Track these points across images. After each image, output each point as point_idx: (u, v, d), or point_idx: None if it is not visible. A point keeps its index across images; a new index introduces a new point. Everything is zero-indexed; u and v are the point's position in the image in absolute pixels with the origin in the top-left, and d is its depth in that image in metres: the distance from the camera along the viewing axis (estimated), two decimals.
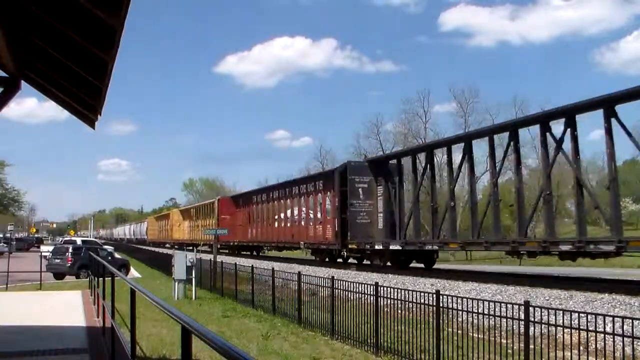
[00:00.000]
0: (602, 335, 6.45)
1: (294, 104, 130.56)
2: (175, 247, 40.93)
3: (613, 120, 13.35)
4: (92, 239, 60.73)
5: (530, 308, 6.88)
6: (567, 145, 14.84)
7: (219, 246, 32.01)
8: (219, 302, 16.43)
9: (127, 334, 5.70)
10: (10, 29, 4.78)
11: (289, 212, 30.04)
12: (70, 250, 26.42)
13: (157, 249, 44.40)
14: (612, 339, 6.62)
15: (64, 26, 4.41)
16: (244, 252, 36.53)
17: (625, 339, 6.51)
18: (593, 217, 24.75)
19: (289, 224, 30.01)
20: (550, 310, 7.16)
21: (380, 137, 58.80)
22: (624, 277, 17.61)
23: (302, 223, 28.06)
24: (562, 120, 14.91)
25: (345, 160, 28.26)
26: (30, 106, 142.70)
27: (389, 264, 20.76)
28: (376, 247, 21.10)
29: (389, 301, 9.44)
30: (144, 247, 51.53)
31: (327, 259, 25.90)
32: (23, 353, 7.57)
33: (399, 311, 9.20)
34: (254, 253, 36.96)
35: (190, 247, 33.55)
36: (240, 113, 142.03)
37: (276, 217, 31.68)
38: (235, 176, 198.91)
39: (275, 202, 31.80)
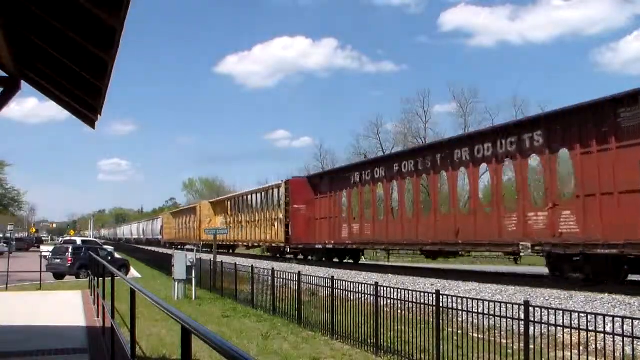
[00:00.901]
0: (602, 335, 6.44)
1: (294, 104, 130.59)
2: (198, 248, 36.14)
3: None
4: (92, 239, 60.75)
5: (530, 308, 6.87)
6: None
7: (287, 250, 29.17)
8: (219, 302, 16.43)
9: (127, 334, 5.70)
10: (10, 29, 4.78)
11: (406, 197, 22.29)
12: (70, 250, 26.41)
13: (156, 249, 44.31)
14: (612, 339, 6.62)
15: (64, 26, 4.41)
16: (336, 260, 26.49)
17: (625, 339, 6.51)
18: None
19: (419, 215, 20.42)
20: (550, 310, 7.16)
21: (380, 137, 58.90)
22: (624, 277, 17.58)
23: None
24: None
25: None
26: (31, 106, 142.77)
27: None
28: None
29: (389, 301, 9.44)
30: (144, 247, 51.39)
31: None
32: (23, 353, 7.57)
33: (399, 311, 9.20)
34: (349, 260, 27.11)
35: (234, 252, 32.83)
36: (241, 113, 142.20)
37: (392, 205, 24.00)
38: (235, 176, 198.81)
39: (385, 182, 22.55)
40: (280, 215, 29.76)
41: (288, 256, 31.09)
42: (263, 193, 34.30)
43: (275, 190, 31.11)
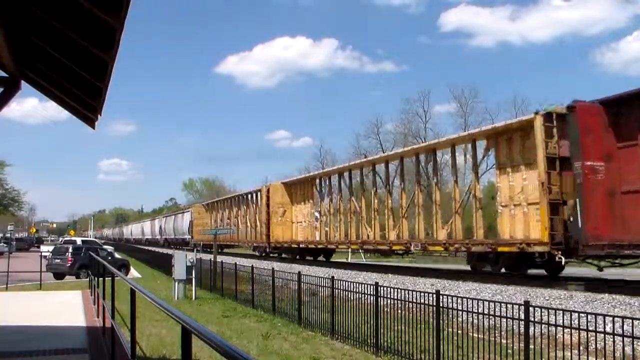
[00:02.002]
0: (602, 335, 6.44)
1: (294, 104, 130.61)
2: (264, 251, 34.21)
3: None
4: (92, 239, 60.76)
5: (530, 308, 6.88)
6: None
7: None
8: (219, 302, 16.43)
9: (127, 334, 5.71)
10: (10, 29, 4.78)
11: None
12: (70, 250, 26.42)
13: (157, 249, 44.26)
14: (612, 339, 6.61)
15: (64, 26, 4.41)
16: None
17: (625, 339, 6.51)
18: None
19: None
20: (550, 310, 7.16)
21: (380, 137, 58.92)
22: (624, 277, 17.61)
23: None
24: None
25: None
26: (31, 106, 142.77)
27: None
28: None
29: (389, 301, 9.44)
30: (144, 247, 51.30)
31: None
32: (23, 353, 7.57)
33: (399, 311, 9.20)
34: None
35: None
36: (241, 113, 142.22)
37: None
38: (235, 176, 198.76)
39: None
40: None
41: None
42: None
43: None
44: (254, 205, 35.99)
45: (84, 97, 6.10)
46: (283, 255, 32.88)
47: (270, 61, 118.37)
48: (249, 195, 37.78)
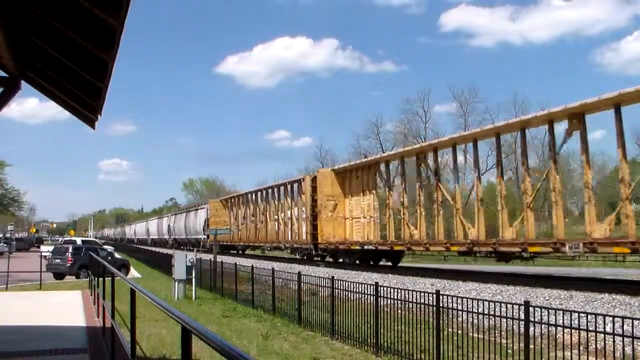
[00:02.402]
0: (602, 335, 6.44)
1: (294, 104, 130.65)
2: (305, 252, 27.93)
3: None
4: (92, 239, 60.75)
5: (530, 308, 6.87)
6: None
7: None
8: (219, 302, 16.43)
9: (127, 334, 5.71)
10: (10, 29, 4.78)
11: None
12: (70, 250, 26.42)
13: (157, 249, 44.22)
14: (612, 339, 6.61)
15: (64, 26, 4.41)
16: None
17: (625, 339, 6.51)
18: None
19: None
20: (550, 310, 7.16)
21: (380, 137, 58.90)
22: (624, 277, 17.61)
23: None
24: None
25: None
26: (31, 106, 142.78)
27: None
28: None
29: (389, 301, 9.44)
30: (144, 247, 51.24)
31: None
32: (23, 353, 7.57)
33: (399, 311, 9.19)
34: None
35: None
36: (241, 113, 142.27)
37: None
38: (235, 176, 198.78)
39: None
40: None
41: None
42: None
43: None
44: (292, 199, 30.01)
45: (84, 97, 6.10)
46: (328, 259, 27.22)
47: (270, 61, 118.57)
48: (286, 187, 31.23)
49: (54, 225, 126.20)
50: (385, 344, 9.14)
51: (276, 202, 32.67)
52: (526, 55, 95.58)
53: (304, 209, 28.04)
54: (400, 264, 24.56)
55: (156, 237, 64.99)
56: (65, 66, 5.32)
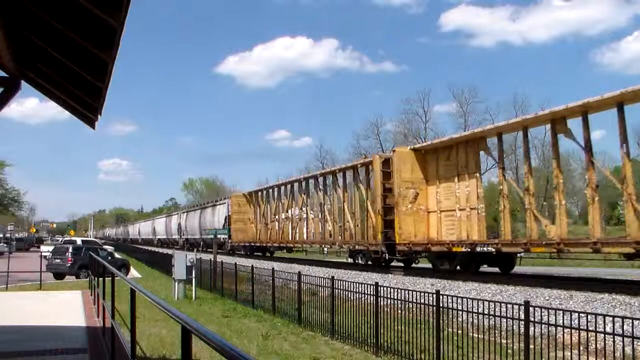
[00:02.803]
0: (602, 335, 6.45)
1: (294, 104, 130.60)
2: (372, 258, 21.52)
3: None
4: (92, 238, 60.75)
5: (530, 308, 6.88)
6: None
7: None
8: (219, 302, 16.43)
9: (127, 334, 5.71)
10: (10, 29, 4.78)
11: None
12: (70, 250, 26.42)
13: (157, 249, 44.18)
14: (612, 339, 6.62)
15: (64, 26, 4.41)
16: None
17: (625, 339, 6.51)
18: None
19: None
20: (550, 310, 7.16)
21: (380, 137, 58.90)
22: (624, 277, 17.62)
23: None
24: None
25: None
26: (31, 106, 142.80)
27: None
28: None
29: (389, 301, 9.44)
30: (145, 248, 51.16)
31: None
32: (23, 353, 7.57)
33: (399, 311, 9.19)
34: None
35: None
36: (241, 113, 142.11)
37: None
38: (235, 176, 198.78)
39: None
40: None
41: None
42: None
43: None
44: (344, 189, 24.78)
45: (84, 97, 6.10)
46: (402, 264, 21.73)
47: (270, 61, 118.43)
48: (334, 175, 25.55)
49: (54, 225, 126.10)
50: (385, 344, 9.14)
51: (321, 194, 26.73)
52: (526, 55, 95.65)
53: (369, 200, 22.36)
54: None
55: (164, 237, 60.15)
56: (66, 66, 5.32)
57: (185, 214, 53.11)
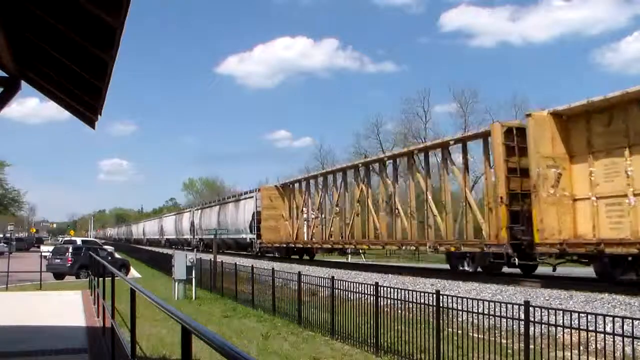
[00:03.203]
0: (602, 335, 6.44)
1: (294, 104, 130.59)
2: (483, 263, 16.51)
3: None
4: (92, 238, 60.75)
5: (530, 308, 6.88)
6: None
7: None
8: (219, 302, 16.43)
9: (127, 334, 5.71)
10: (10, 29, 4.78)
11: None
12: (70, 250, 26.43)
13: (157, 249, 44.13)
14: (612, 339, 6.61)
15: (64, 26, 4.41)
16: None
17: (625, 339, 6.51)
18: None
19: None
20: (550, 310, 7.16)
21: (380, 137, 58.83)
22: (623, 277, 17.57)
23: None
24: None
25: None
26: (31, 106, 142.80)
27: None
28: None
29: (389, 301, 9.44)
30: (143, 247, 51.13)
31: None
32: (23, 353, 7.57)
33: (399, 311, 9.20)
34: None
35: None
36: (241, 113, 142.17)
37: None
38: (235, 176, 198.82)
39: None
40: None
41: None
42: None
43: None
44: (427, 172, 19.30)
45: (84, 97, 6.09)
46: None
47: (270, 61, 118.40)
48: (409, 157, 20.23)
49: (54, 225, 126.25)
50: (385, 344, 9.14)
51: (390, 181, 21.68)
52: (526, 55, 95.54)
53: (468, 187, 17.89)
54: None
55: (173, 236, 55.11)
56: (65, 66, 5.32)
57: (200, 211, 47.50)
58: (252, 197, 34.33)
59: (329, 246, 27.24)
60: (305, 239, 28.61)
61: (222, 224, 39.45)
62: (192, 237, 48.30)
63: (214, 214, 42.51)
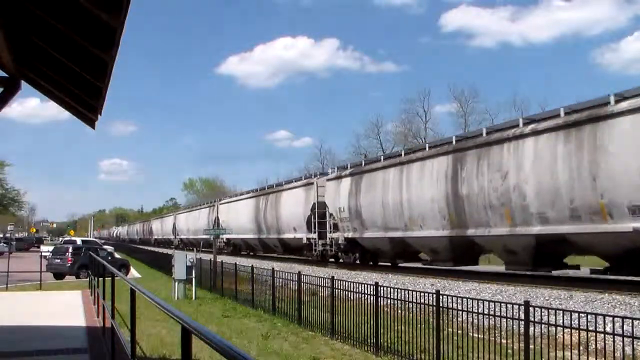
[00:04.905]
0: (602, 335, 6.44)
1: (295, 104, 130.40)
2: None
3: None
4: (92, 239, 60.73)
5: (530, 308, 6.87)
6: None
7: None
8: (219, 302, 16.43)
9: (127, 334, 5.70)
10: (10, 29, 4.78)
11: None
12: (70, 250, 26.44)
13: (157, 249, 44.11)
14: (612, 339, 6.61)
15: (64, 26, 4.41)
16: None
17: (625, 339, 6.51)
18: None
19: None
20: (550, 310, 7.16)
21: (380, 137, 58.83)
22: (624, 277, 17.59)
23: None
24: None
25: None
26: (31, 106, 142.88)
27: None
28: None
29: (389, 301, 9.44)
30: (143, 247, 51.09)
31: None
32: (23, 353, 7.57)
33: (399, 311, 9.19)
34: None
35: None
36: (242, 113, 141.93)
37: None
38: (235, 176, 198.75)
39: None
40: None
41: None
42: None
43: None
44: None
45: (84, 97, 6.10)
46: None
47: (271, 61, 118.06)
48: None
49: (54, 225, 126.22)
50: (385, 344, 9.14)
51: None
52: (526, 55, 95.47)
53: None
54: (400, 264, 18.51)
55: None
56: (65, 66, 5.32)
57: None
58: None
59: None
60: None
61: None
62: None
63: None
